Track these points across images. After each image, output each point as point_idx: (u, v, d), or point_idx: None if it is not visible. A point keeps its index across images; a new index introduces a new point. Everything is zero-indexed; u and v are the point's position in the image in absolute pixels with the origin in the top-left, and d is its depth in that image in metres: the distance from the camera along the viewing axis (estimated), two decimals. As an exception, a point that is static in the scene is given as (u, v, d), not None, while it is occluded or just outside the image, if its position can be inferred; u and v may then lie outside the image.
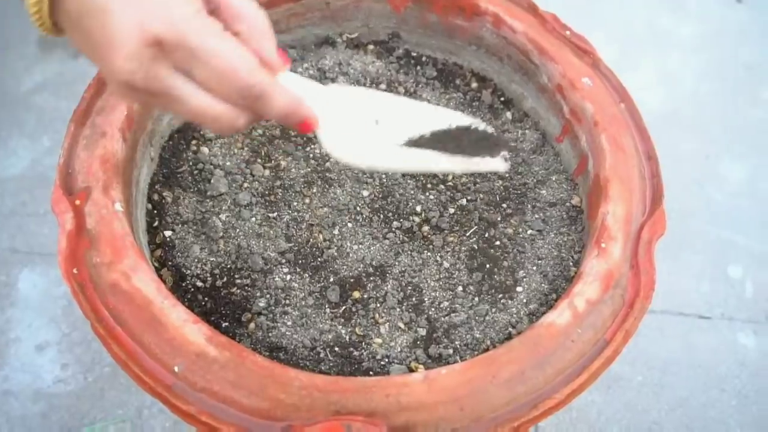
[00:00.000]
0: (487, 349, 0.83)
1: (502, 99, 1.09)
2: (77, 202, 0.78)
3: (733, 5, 2.12)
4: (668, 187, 0.90)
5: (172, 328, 0.71)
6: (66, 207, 0.77)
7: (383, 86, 1.07)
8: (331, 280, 0.89)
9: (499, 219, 0.96)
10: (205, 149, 0.97)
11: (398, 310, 0.87)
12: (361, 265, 0.91)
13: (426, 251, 0.93)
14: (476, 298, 0.89)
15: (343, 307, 0.87)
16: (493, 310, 0.87)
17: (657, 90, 1.89)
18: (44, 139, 1.65)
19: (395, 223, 0.95)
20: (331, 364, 0.81)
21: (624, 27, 2.02)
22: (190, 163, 0.96)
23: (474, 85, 1.10)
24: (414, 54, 1.12)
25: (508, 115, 1.07)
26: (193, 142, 0.98)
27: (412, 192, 0.98)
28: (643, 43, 2.00)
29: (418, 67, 1.11)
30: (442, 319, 0.87)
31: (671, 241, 1.00)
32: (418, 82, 1.09)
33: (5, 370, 1.35)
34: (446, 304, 0.88)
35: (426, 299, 0.89)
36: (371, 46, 1.11)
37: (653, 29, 2.03)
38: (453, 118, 0.72)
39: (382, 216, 0.95)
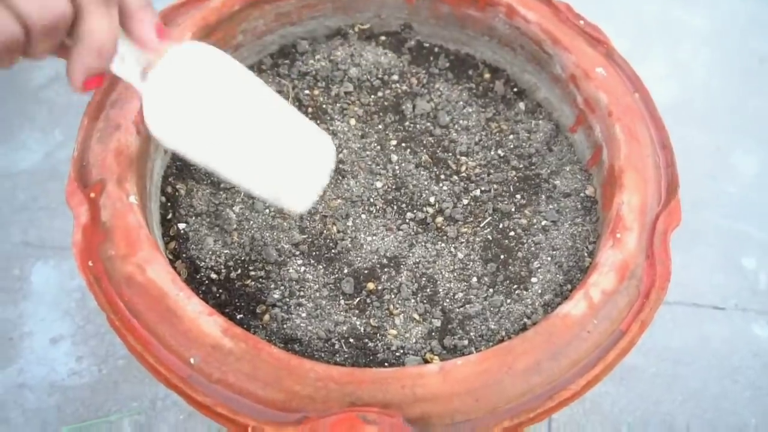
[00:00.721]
0: (502, 340, 0.83)
1: (515, 90, 1.08)
2: (92, 194, 0.78)
3: (744, -5, 2.11)
4: (680, 179, 0.89)
5: (187, 320, 0.71)
6: (81, 200, 0.77)
7: (395, 77, 1.06)
8: (345, 271, 0.89)
9: (513, 210, 0.95)
10: (218, 141, 0.97)
11: (413, 301, 0.87)
12: (375, 257, 0.90)
13: (440, 242, 0.92)
14: (491, 289, 0.88)
15: (358, 299, 0.87)
16: (508, 301, 0.87)
17: (668, 81, 1.88)
18: (56, 132, 1.65)
19: (409, 215, 0.94)
20: (346, 356, 0.81)
21: (636, 17, 2.01)
22: (203, 156, 0.96)
23: (487, 75, 1.09)
24: (426, 45, 1.11)
25: (521, 105, 1.06)
26: (206, 134, 0.98)
27: (426, 183, 0.97)
28: (655, 33, 1.99)
29: (431, 58, 1.10)
30: (457, 310, 0.86)
31: (684, 233, 1.00)
32: (430, 73, 1.08)
33: (20, 363, 1.35)
34: (461, 295, 0.88)
35: (440, 290, 0.88)
36: (383, 38, 1.10)
37: (665, 20, 2.02)
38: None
39: (395, 207, 0.95)
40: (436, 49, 1.11)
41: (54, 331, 1.38)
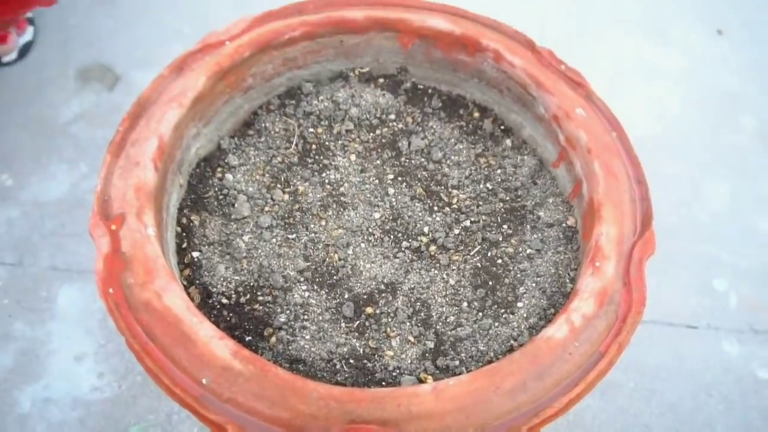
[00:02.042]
0: (490, 361, 0.83)
1: (502, 128, 1.09)
2: (113, 227, 0.78)
3: (714, 37, 2.12)
4: (656, 206, 0.89)
5: (200, 344, 0.71)
6: (103, 231, 0.78)
7: (392, 116, 1.07)
8: (346, 296, 0.89)
9: (500, 239, 0.96)
10: (229, 176, 0.98)
11: (408, 324, 0.87)
12: (374, 283, 0.91)
13: (433, 269, 0.93)
14: (480, 313, 0.88)
15: (357, 322, 0.87)
16: (496, 324, 0.87)
17: (645, 117, 1.89)
18: (81, 165, 1.65)
19: (405, 243, 0.95)
20: (346, 375, 0.81)
21: (613, 59, 2.02)
22: (216, 189, 0.96)
23: (476, 114, 1.10)
24: (421, 86, 1.12)
25: (508, 142, 1.07)
26: (218, 169, 0.99)
27: (420, 214, 0.98)
28: (632, 73, 2.00)
29: (425, 99, 1.11)
30: (449, 332, 0.86)
31: (660, 257, 1.00)
32: (424, 112, 1.09)
33: (46, 379, 1.35)
34: (452, 318, 0.88)
35: (434, 314, 0.88)
36: (381, 80, 1.11)
37: (640, 61, 2.03)
38: None
39: (392, 237, 0.95)
40: (430, 91, 1.12)
41: (78, 349, 1.38)
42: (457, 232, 0.96)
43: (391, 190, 1.00)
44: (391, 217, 0.97)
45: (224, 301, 0.86)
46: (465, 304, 0.89)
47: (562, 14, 2.13)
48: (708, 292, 1.59)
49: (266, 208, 0.96)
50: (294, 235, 0.94)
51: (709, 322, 1.54)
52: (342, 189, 0.99)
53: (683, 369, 1.47)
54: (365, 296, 0.89)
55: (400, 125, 1.07)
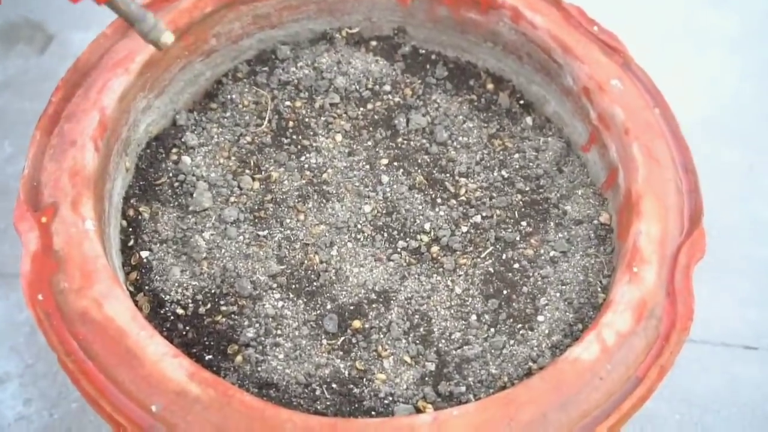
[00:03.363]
0: (504, 387, 0.83)
1: (522, 102, 1.09)
2: (43, 219, 0.78)
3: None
4: (708, 202, 0.89)
5: (149, 363, 0.71)
6: (31, 225, 0.77)
7: (387, 87, 1.07)
8: (329, 307, 0.89)
9: (518, 238, 0.96)
10: (186, 159, 0.98)
11: (404, 341, 0.87)
12: (362, 291, 0.91)
13: (435, 275, 0.93)
14: (492, 329, 0.89)
15: (342, 338, 0.87)
16: (511, 342, 0.87)
17: (694, 92, 1.89)
18: (5, 144, 1.65)
19: (401, 243, 0.95)
20: (328, 403, 0.81)
21: (658, 22, 2.02)
22: (170, 175, 0.96)
23: (490, 86, 1.10)
24: (422, 52, 1.13)
25: (528, 120, 1.07)
26: (174, 150, 0.99)
27: (420, 207, 0.98)
28: (680, 40, 2.00)
29: (427, 67, 1.11)
30: (454, 352, 0.87)
31: (712, 262, 1.00)
32: (427, 83, 1.09)
33: (-40, 405, 1.34)
34: (458, 335, 0.88)
35: (435, 329, 0.89)
36: (374, 43, 1.11)
37: (691, 25, 2.03)
38: None
39: (386, 235, 0.96)
40: (434, 57, 1.12)
41: (0, 370, 1.38)
42: (465, 229, 0.97)
43: (384, 178, 1.00)
44: (384, 211, 0.97)
45: (179, 311, 0.86)
46: (474, 317, 0.89)
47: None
48: (770, 305, 1.60)
49: (232, 199, 0.96)
50: (265, 232, 0.94)
51: (771, 342, 1.55)
52: (325, 176, 0.99)
53: (739, 399, 1.48)
54: (352, 307, 0.89)
55: (397, 98, 1.07)
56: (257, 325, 0.86)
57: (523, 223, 0.98)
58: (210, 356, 0.83)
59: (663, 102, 0.97)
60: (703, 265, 0.85)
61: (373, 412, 0.81)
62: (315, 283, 0.91)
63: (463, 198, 0.99)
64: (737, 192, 1.73)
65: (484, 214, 0.98)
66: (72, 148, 0.83)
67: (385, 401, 0.82)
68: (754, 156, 1.81)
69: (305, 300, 0.89)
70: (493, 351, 0.86)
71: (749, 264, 1.65)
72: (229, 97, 1.04)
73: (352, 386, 0.83)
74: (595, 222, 0.97)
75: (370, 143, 1.03)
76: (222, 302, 0.88)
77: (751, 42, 2.03)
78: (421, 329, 0.89)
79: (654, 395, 0.78)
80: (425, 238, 0.95)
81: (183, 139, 0.99)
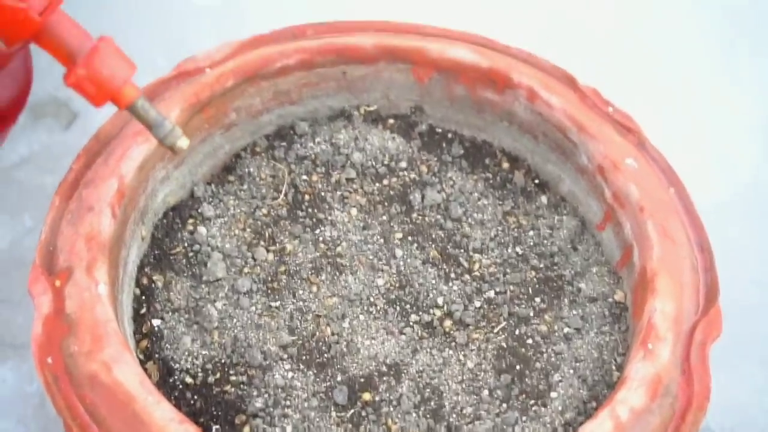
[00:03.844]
0: (516, 464, 0.82)
1: (537, 181, 1.10)
2: (57, 282, 0.79)
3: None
4: (725, 284, 0.89)
5: (155, 429, 0.70)
6: (44, 288, 0.78)
7: (403, 164, 1.08)
8: (339, 379, 0.88)
9: (531, 314, 0.95)
10: (202, 229, 0.98)
11: (414, 415, 0.86)
12: (374, 363, 0.90)
13: (448, 349, 0.92)
14: (504, 404, 0.87)
15: (352, 411, 0.86)
16: (524, 418, 0.86)
17: (711, 172, 1.89)
18: (25, 217, 1.66)
19: (413, 317, 0.95)
20: (335, 477, 0.80)
21: (673, 98, 2.02)
22: (185, 245, 0.97)
23: (505, 165, 1.11)
24: (439, 130, 1.14)
25: (543, 199, 1.08)
26: (190, 221, 1.00)
27: (434, 282, 0.98)
28: (696, 117, 2.00)
29: (443, 145, 1.12)
30: (465, 426, 0.85)
31: (729, 347, 0.99)
32: (442, 161, 1.10)
33: (-36, 480, 1.33)
34: (470, 409, 0.87)
35: (446, 404, 0.88)
36: (391, 121, 1.13)
37: (708, 102, 2.04)
38: None
39: (398, 308, 0.95)
40: (450, 135, 1.14)
41: (5, 442, 1.36)
42: (478, 304, 0.96)
43: (398, 252, 1.00)
44: (397, 285, 0.97)
45: (188, 380, 0.86)
46: (486, 392, 0.88)
47: (607, 46, 2.16)
48: (793, 395, 1.57)
49: (245, 270, 0.96)
50: (278, 303, 0.94)
51: (793, 434, 1.52)
52: (339, 249, 1.00)
53: (760, 494, 1.44)
54: (362, 379, 0.89)
55: (413, 175, 1.08)
56: (266, 395, 0.85)
57: (537, 300, 0.97)
58: (217, 426, 0.83)
59: (677, 181, 0.98)
60: (720, 351, 0.84)
61: (381, 487, 0.80)
62: (326, 355, 0.90)
63: (476, 273, 0.99)
64: (755, 275, 1.71)
65: (497, 289, 0.98)
66: (89, 213, 0.84)
67: (394, 476, 0.81)
68: (772, 242, 1.80)
69: (315, 371, 0.89)
70: (505, 427, 0.85)
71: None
72: (246, 170, 1.05)
73: (360, 460, 0.82)
74: (610, 300, 0.96)
75: (385, 218, 1.04)
76: (231, 372, 0.87)
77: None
78: (432, 403, 0.87)
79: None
80: (438, 312, 0.95)
81: (200, 210, 1.00)
